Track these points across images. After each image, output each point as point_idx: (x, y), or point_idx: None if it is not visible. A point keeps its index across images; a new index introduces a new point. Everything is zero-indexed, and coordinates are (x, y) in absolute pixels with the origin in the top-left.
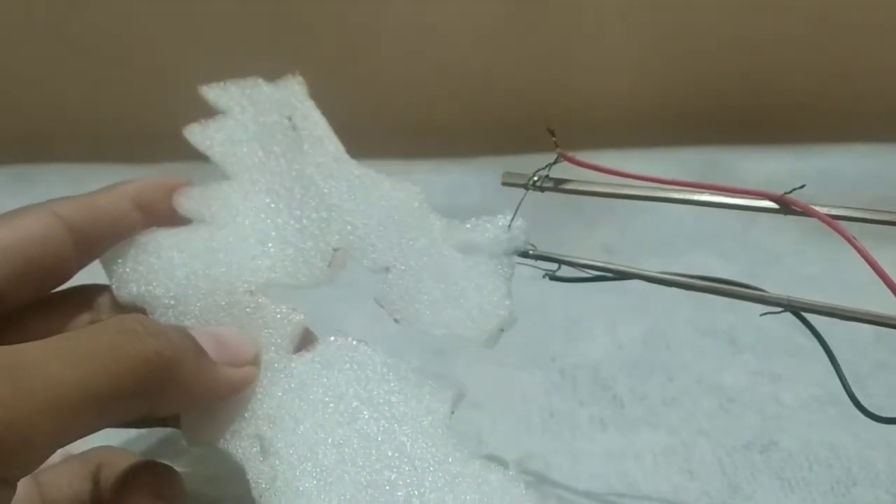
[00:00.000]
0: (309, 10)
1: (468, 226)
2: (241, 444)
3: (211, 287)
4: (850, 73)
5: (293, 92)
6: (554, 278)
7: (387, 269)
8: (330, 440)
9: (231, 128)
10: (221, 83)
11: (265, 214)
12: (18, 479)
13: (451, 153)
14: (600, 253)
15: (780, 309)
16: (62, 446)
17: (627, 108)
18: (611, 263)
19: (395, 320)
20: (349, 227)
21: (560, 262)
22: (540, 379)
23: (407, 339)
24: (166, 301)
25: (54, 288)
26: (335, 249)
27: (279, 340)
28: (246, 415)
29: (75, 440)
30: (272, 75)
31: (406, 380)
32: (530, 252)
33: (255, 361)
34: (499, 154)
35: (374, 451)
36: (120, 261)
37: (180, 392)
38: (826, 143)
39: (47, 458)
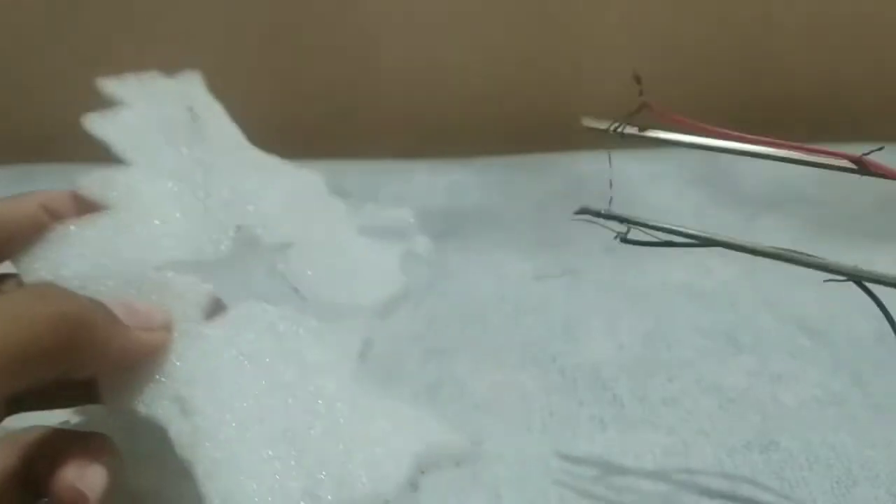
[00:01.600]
0: (308, 10)
1: (368, 209)
2: (161, 406)
3: (119, 267)
4: (850, 73)
5: (192, 85)
6: (625, 240)
7: (289, 245)
8: (248, 393)
9: (131, 117)
10: (119, 77)
11: (168, 197)
12: None
13: (451, 153)
14: (602, 251)
15: (843, 278)
16: None
17: (627, 108)
18: (681, 227)
19: (295, 289)
20: (251, 208)
21: (630, 222)
22: (540, 379)
23: (408, 340)
24: (76, 283)
25: None
26: (238, 226)
27: (190, 310)
28: (163, 379)
29: None
30: (272, 74)
31: (316, 332)
32: (602, 212)
33: (166, 327)
34: (499, 154)
35: (290, 399)
36: (28, 253)
37: (96, 352)
38: (826, 142)
39: None
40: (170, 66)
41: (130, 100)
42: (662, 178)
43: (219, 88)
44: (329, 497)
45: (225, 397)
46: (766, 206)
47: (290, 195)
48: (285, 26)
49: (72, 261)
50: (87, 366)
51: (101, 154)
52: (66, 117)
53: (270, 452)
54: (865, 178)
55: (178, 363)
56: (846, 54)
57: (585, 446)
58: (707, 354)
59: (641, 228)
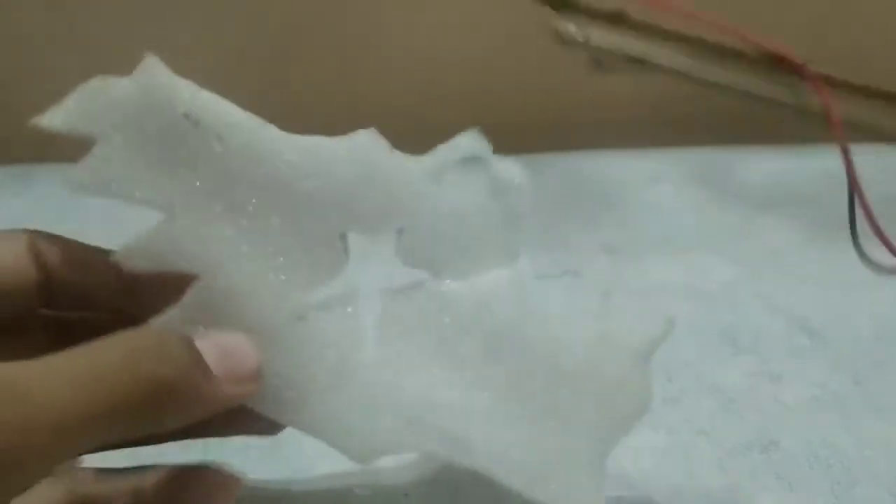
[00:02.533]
0: (308, 10)
1: (448, 160)
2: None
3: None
4: (850, 73)
5: (161, 80)
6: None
7: (400, 231)
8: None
9: (118, 157)
10: (64, 104)
11: (244, 244)
12: (8, 503)
13: None
14: (600, 251)
15: None
16: (54, 468)
17: (627, 108)
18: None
19: (432, 273)
20: (334, 209)
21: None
22: None
23: None
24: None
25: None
26: (341, 237)
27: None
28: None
29: (68, 461)
30: (271, 74)
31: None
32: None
33: (256, 376)
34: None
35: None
36: None
37: (179, 415)
38: (827, 142)
39: (39, 480)
40: (168, 65)
41: (98, 129)
42: (662, 177)
43: (219, 88)
44: None
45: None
46: (766, 206)
47: (364, 176)
48: (285, 26)
49: None
50: (167, 427)
51: None
52: None
53: None
54: (865, 178)
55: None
56: (847, 53)
57: None
58: (707, 354)
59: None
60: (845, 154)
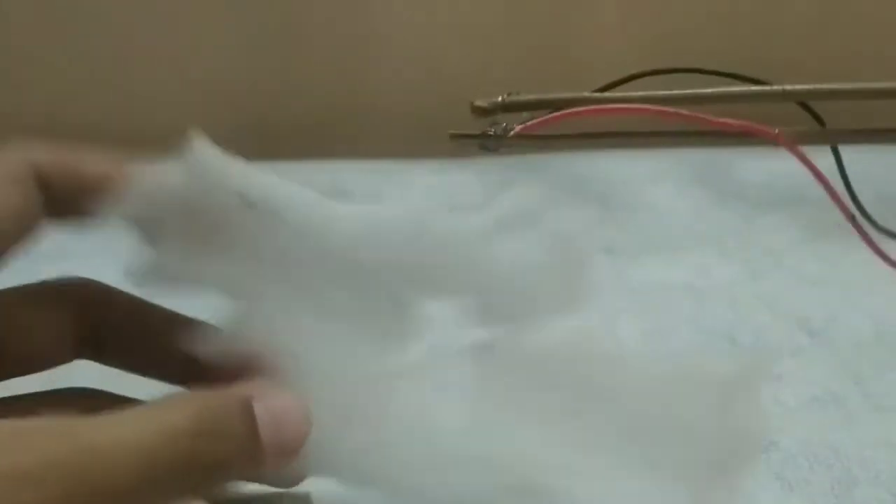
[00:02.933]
0: (308, 10)
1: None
2: None
3: None
4: (849, 73)
5: (212, 162)
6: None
7: (467, 294)
8: None
9: (179, 247)
10: (111, 196)
11: (314, 321)
12: None
13: (451, 153)
14: (602, 251)
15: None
16: None
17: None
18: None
19: (503, 331)
20: (399, 276)
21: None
22: None
23: None
24: None
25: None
26: (410, 302)
27: None
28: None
29: None
30: (272, 74)
31: None
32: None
33: (301, 446)
34: (499, 154)
35: None
36: None
37: (220, 484)
38: (826, 142)
39: None
40: (169, 66)
41: (158, 220)
42: (662, 177)
43: (219, 88)
44: None
45: None
46: (766, 206)
47: (416, 242)
48: (285, 26)
49: None
50: (203, 494)
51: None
52: (66, 117)
53: None
54: (865, 178)
55: None
56: (846, 53)
57: None
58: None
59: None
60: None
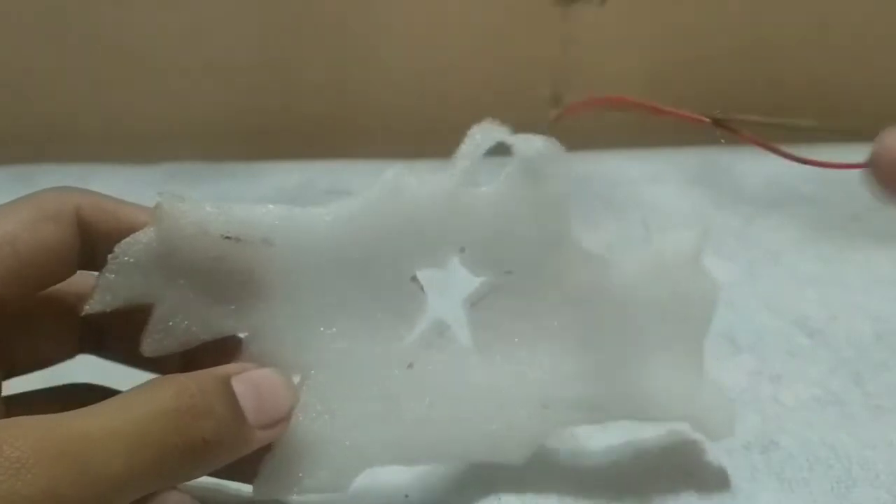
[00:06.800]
0: (308, 10)
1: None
2: None
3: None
4: (849, 74)
5: (186, 216)
6: None
7: (462, 250)
8: None
9: (182, 308)
10: (97, 285)
11: (332, 326)
12: None
13: (451, 153)
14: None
15: None
16: None
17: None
18: None
19: (502, 273)
20: (392, 257)
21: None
22: None
23: None
24: None
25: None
26: (412, 279)
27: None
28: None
29: None
30: (270, 74)
31: None
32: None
33: (287, 418)
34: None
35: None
36: None
37: (214, 463)
38: (826, 143)
39: None
40: (169, 65)
41: (151, 292)
42: (662, 177)
43: (219, 89)
44: None
45: None
46: (766, 206)
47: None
48: (285, 26)
49: None
50: (202, 474)
51: (102, 154)
52: (66, 117)
53: None
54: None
55: None
56: (846, 56)
57: (586, 445)
58: (707, 354)
59: None
60: None
